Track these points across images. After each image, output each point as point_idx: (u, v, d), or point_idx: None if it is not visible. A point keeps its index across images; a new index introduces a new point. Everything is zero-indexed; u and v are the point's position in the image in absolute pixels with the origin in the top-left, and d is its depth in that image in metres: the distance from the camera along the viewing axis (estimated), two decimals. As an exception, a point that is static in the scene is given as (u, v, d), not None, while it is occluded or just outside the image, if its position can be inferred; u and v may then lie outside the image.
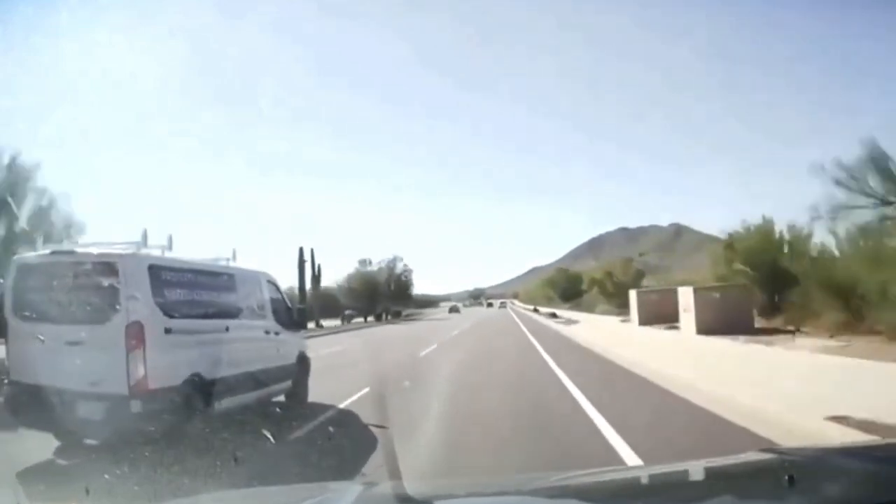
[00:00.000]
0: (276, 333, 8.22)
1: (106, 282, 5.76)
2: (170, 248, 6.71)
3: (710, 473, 2.05)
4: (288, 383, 8.36)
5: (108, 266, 5.84)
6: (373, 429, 6.62)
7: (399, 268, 65.21)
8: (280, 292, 8.99)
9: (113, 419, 5.42)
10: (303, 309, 10.11)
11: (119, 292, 5.69)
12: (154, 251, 6.48)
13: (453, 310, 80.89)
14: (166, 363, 5.86)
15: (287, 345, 8.51)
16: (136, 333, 5.63)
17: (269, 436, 5.42)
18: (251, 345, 7.50)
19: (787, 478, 1.49)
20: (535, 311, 62.01)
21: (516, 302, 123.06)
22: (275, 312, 8.33)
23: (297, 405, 8.33)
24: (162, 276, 6.22)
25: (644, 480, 2.14)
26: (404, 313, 67.74)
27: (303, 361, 8.99)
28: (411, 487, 1.74)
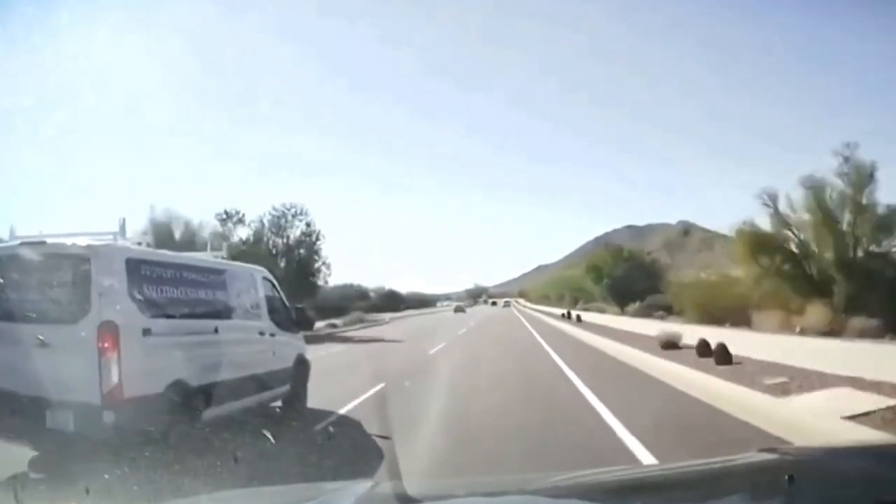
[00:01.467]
0: (272, 335, 7.62)
1: (78, 276, 5.17)
2: (151, 238, 6.52)
3: (710, 473, 2.05)
4: (285, 388, 7.79)
5: (80, 258, 5.22)
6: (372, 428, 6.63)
7: (296, 233, 33.41)
8: (277, 290, 8.37)
9: (85, 431, 4.83)
10: (302, 309, 9.18)
11: (91, 288, 5.08)
12: (134, 243, 5.96)
13: (458, 309, 78.50)
14: (145, 368, 5.29)
15: (284, 347, 7.93)
16: (109, 335, 5.01)
17: (268, 436, 5.41)
18: (243, 347, 6.91)
19: (786, 478, 1.49)
20: (568, 318, 36.99)
21: (521, 301, 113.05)
22: (271, 312, 7.74)
23: (295, 411, 7.83)
24: (141, 270, 5.60)
25: (644, 480, 2.14)
26: (344, 320, 38.13)
27: (301, 365, 8.40)
28: (411, 487, 1.74)
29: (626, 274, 42.97)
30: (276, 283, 8.45)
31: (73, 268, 5.21)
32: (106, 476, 3.21)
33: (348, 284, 71.17)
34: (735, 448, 3.54)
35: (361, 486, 1.82)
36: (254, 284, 7.65)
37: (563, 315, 39.35)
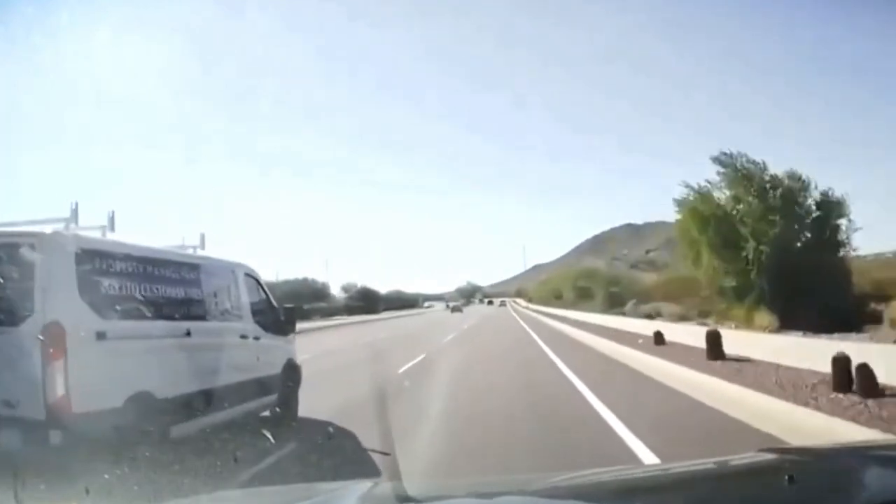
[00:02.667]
0: (256, 338, 6.87)
1: (21, 270, 4.43)
2: (111, 228, 5.31)
3: (710, 473, 2.05)
4: (272, 398, 7.02)
5: (22, 248, 4.45)
6: (372, 428, 6.58)
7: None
8: (262, 288, 7.57)
9: (32, 451, 4.12)
10: (291, 308, 8.37)
11: (35, 283, 4.35)
12: (90, 232, 5.18)
13: (455, 309, 77.98)
14: (99, 379, 4.54)
15: (270, 351, 7.17)
16: (54, 339, 4.27)
17: (269, 436, 5.41)
18: (222, 353, 6.15)
19: (787, 478, 1.49)
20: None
21: (520, 301, 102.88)
22: (255, 313, 7.02)
23: (284, 421, 7.03)
24: (95, 263, 4.83)
25: (644, 480, 2.15)
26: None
27: (291, 371, 7.60)
28: (411, 487, 1.74)
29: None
30: (260, 280, 7.64)
31: (15, 259, 4.44)
32: (106, 476, 3.22)
33: (302, 279, 64.70)
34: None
35: (361, 486, 1.82)
36: (234, 281, 6.86)
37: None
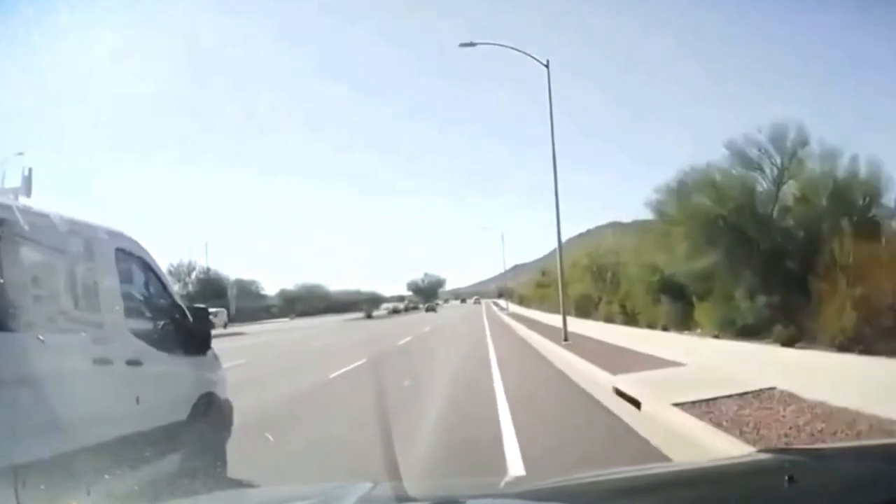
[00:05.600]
0: (134, 362, 4.03)
1: None
2: (27, 192, 3.86)
3: (710, 473, 2.05)
4: (172, 458, 4.17)
5: None
6: (372, 428, 6.58)
7: None
8: (158, 277, 4.80)
9: None
10: (205, 311, 5.31)
11: None
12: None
13: (430, 309, 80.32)
14: None
15: (166, 383, 4.40)
16: None
17: (268, 437, 5.42)
18: (51, 392, 3.32)
19: (787, 478, 1.49)
20: None
21: (501, 303, 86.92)
22: (136, 315, 4.35)
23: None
24: None
25: (643, 481, 2.14)
26: None
27: (210, 412, 4.86)
28: (411, 487, 1.74)
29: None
30: (153, 262, 4.73)
31: None
32: (106, 476, 3.21)
33: (235, 279, 61.30)
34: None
35: (361, 487, 1.82)
36: (91, 259, 3.96)
37: None
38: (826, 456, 2.16)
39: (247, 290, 67.05)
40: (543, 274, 53.79)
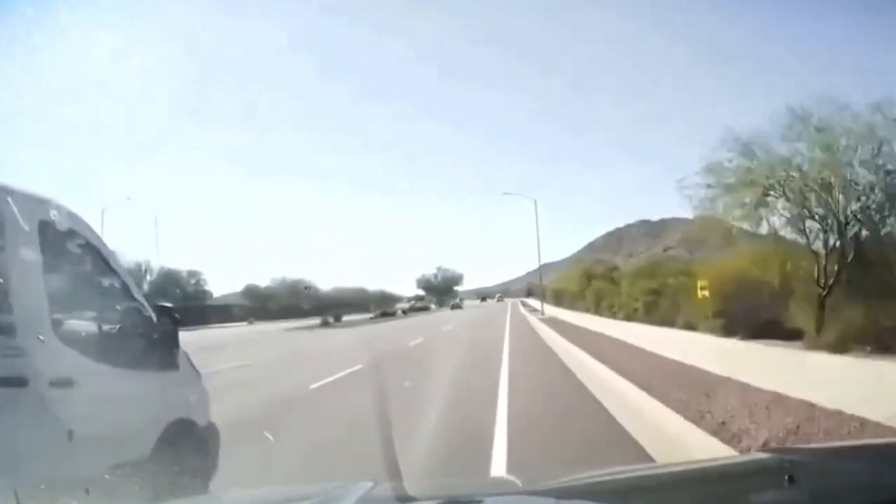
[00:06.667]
0: (68, 382, 2.94)
1: None
2: None
3: (710, 473, 2.05)
4: None
5: None
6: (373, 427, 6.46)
7: None
8: (106, 263, 3.60)
9: None
10: (171, 311, 3.97)
11: None
12: None
13: (455, 306, 78.88)
14: None
15: (120, 408, 3.28)
16: None
17: (268, 436, 5.41)
18: None
19: (787, 478, 1.49)
20: None
21: (530, 302, 75.11)
22: (75, 317, 3.25)
23: None
24: None
25: (643, 481, 2.15)
26: None
27: (187, 441, 3.75)
28: (411, 487, 1.74)
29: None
30: (97, 240, 3.57)
31: None
32: (106, 476, 3.21)
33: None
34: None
35: (361, 487, 1.82)
36: None
37: None
38: (826, 456, 2.16)
39: (177, 285, 55.92)
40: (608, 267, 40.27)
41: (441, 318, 44.24)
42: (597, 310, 31.79)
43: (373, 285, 79.60)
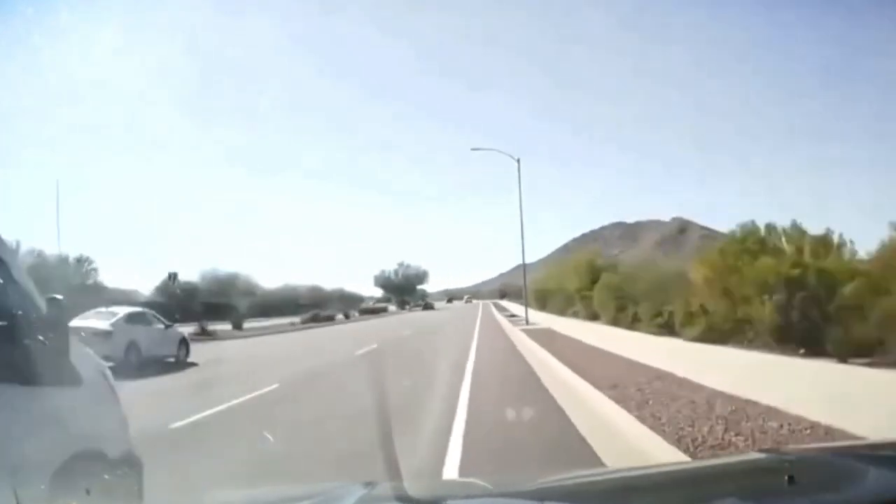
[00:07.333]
0: None
1: None
2: None
3: (710, 473, 2.05)
4: None
5: None
6: (372, 427, 6.50)
7: None
8: None
9: None
10: (60, 303, 2.73)
11: None
12: None
13: (427, 307, 78.43)
14: None
15: None
16: None
17: (268, 436, 5.41)
18: None
19: (787, 478, 1.49)
20: None
21: (505, 304, 70.84)
22: None
23: None
24: None
25: (643, 480, 2.14)
26: None
27: (91, 481, 2.75)
28: (411, 487, 1.74)
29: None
30: None
31: None
32: (106, 476, 3.21)
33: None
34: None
35: (361, 486, 1.82)
36: None
37: None
38: (826, 456, 2.16)
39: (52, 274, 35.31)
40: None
41: (381, 326, 34.57)
42: (617, 320, 20.62)
43: (333, 285, 69.72)
